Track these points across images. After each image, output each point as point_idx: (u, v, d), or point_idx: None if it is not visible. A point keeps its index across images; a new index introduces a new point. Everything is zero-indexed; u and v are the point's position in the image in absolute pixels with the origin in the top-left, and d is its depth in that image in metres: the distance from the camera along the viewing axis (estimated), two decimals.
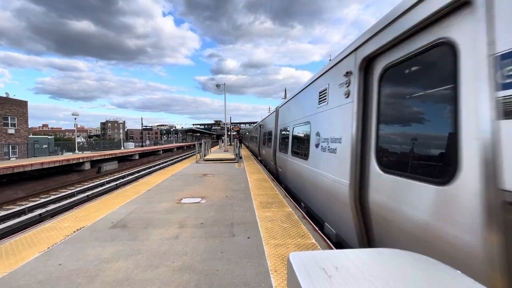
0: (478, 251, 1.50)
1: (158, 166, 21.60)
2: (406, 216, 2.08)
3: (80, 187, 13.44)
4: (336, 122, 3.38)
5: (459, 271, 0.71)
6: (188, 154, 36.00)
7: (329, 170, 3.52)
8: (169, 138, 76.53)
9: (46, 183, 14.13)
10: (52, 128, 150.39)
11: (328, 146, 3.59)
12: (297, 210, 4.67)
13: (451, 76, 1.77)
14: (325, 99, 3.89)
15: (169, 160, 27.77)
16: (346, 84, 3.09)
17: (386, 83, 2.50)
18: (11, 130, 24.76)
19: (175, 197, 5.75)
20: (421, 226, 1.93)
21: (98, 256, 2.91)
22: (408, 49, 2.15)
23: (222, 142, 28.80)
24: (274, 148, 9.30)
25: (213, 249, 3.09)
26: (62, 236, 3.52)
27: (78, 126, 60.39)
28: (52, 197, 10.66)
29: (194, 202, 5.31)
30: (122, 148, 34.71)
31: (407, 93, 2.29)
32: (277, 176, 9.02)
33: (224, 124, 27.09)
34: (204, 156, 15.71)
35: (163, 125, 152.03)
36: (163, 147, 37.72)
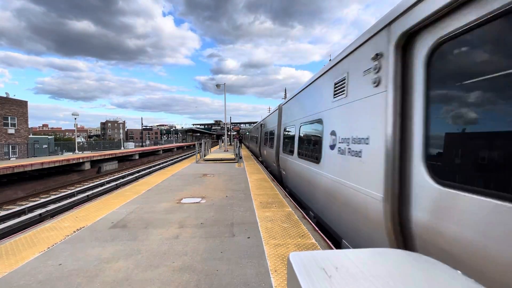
0: None
1: (158, 166, 21.60)
2: (475, 247, 1.51)
3: (80, 187, 13.44)
4: (361, 118, 2.76)
5: (459, 271, 0.71)
6: (188, 154, 36.00)
7: (351, 178, 2.88)
8: (169, 138, 76.54)
9: (46, 183, 14.13)
10: (52, 128, 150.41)
11: (349, 148, 2.97)
12: (297, 210, 4.67)
13: None
14: (343, 90, 3.23)
15: (169, 160, 27.77)
16: (375, 69, 2.50)
17: (439, 63, 1.91)
18: (11, 130, 24.76)
19: (175, 197, 5.75)
20: (500, 264, 1.37)
21: (98, 256, 2.91)
22: (478, 13, 1.55)
23: (222, 142, 28.81)
24: (276, 149, 8.69)
25: (213, 249, 3.09)
26: (62, 236, 3.52)
27: (78, 126, 60.44)
28: (52, 197, 10.66)
29: (194, 202, 5.31)
30: (122, 148, 34.71)
31: (475, 76, 1.68)
32: (280, 179, 8.36)
33: (224, 124, 27.09)
34: (204, 156, 15.71)
35: (163, 125, 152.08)
36: (163, 147, 37.72)
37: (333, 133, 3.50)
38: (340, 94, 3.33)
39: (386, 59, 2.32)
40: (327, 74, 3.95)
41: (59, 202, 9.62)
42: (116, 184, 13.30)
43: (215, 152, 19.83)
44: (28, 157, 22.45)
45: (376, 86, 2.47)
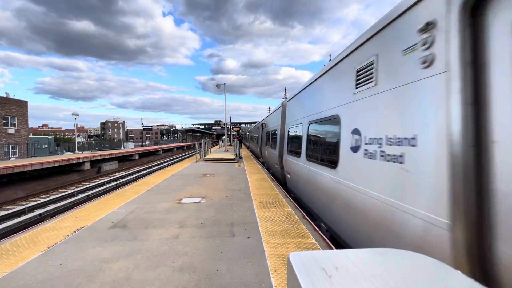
0: None
1: (158, 166, 21.60)
2: None
3: (80, 187, 13.44)
4: (401, 111, 2.14)
5: (459, 271, 0.71)
6: (188, 154, 36.01)
7: (387, 191, 2.27)
8: (169, 138, 76.55)
9: (46, 183, 14.13)
10: (52, 128, 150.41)
11: (382, 151, 2.36)
12: (297, 210, 4.67)
13: None
14: (370, 78, 2.65)
15: (169, 160, 27.77)
16: (424, 45, 1.92)
17: None
18: (11, 130, 24.76)
19: (175, 197, 5.75)
20: None
21: (98, 256, 2.91)
22: None
23: (222, 142, 28.81)
24: (280, 150, 8.08)
25: (213, 249, 3.09)
26: (62, 236, 3.52)
27: (78, 126, 60.45)
28: (52, 197, 10.66)
29: (194, 202, 5.31)
30: (122, 148, 34.71)
31: None
32: (283, 182, 7.65)
33: (224, 124, 27.09)
34: (204, 156, 15.71)
35: (163, 125, 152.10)
36: (163, 147, 37.72)
37: (355, 131, 2.90)
38: (366, 82, 2.72)
39: (444, 29, 1.76)
40: (345, 61, 3.31)
41: (59, 202, 9.62)
42: (116, 184, 13.30)
43: (215, 152, 19.83)
44: (28, 157, 22.45)
45: (427, 66, 1.90)
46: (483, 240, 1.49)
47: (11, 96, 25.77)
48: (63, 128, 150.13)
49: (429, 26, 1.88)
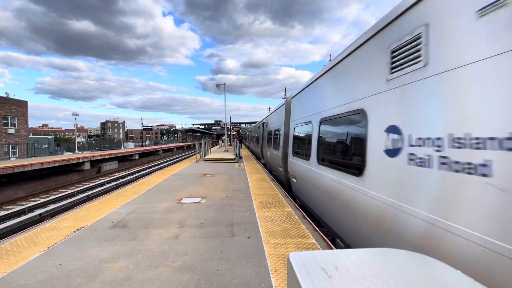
0: None
1: (158, 166, 21.60)
2: None
3: (80, 187, 13.44)
4: (480, 98, 1.54)
5: (459, 271, 0.71)
6: (188, 154, 36.00)
7: (455, 216, 1.64)
8: (169, 138, 76.55)
9: (46, 183, 14.13)
10: (52, 128, 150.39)
11: (443, 157, 1.74)
12: (297, 210, 4.67)
13: None
14: (416, 57, 2.04)
15: (169, 160, 27.77)
16: None
17: None
18: (11, 130, 24.75)
19: (175, 197, 5.75)
20: None
21: (98, 256, 2.91)
22: None
23: (222, 142, 28.81)
24: (283, 151, 7.41)
25: (213, 249, 3.09)
26: (62, 236, 3.52)
27: (78, 126, 60.47)
28: (52, 197, 10.66)
29: (194, 202, 5.31)
30: (122, 148, 34.71)
31: None
32: (287, 186, 7.12)
33: (224, 124, 27.09)
34: (204, 156, 15.71)
35: (163, 125, 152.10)
36: (163, 147, 37.71)
37: (392, 130, 2.29)
38: (408, 64, 2.12)
39: None
40: (371, 42, 2.71)
41: (59, 202, 9.62)
42: (116, 184, 13.30)
43: (215, 152, 19.83)
44: (28, 157, 22.45)
45: None
46: None
47: (11, 96, 25.77)
48: (63, 128, 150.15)
49: None
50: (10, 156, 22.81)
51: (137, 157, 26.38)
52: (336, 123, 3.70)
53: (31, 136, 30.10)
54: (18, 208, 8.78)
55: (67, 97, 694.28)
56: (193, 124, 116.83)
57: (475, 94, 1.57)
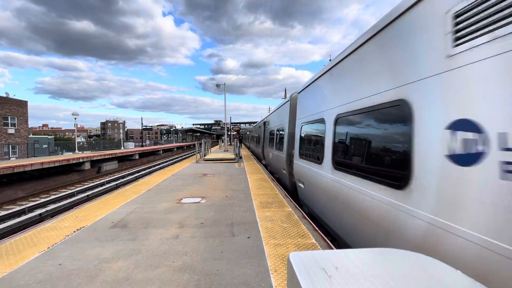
0: None
1: (158, 166, 21.60)
2: None
3: (80, 187, 13.44)
4: None
5: (459, 271, 0.71)
6: (188, 154, 36.01)
7: None
8: (169, 138, 76.58)
9: (46, 183, 14.13)
10: (52, 128, 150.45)
11: None
12: (297, 210, 4.67)
13: None
14: (505, 18, 1.46)
15: (169, 160, 27.77)
16: None
17: None
18: (11, 130, 24.76)
19: (175, 197, 5.75)
20: None
21: (98, 256, 2.91)
22: None
23: (222, 142, 28.81)
24: (288, 152, 6.87)
25: (213, 249, 3.09)
26: (62, 236, 3.53)
27: (78, 126, 60.51)
28: (52, 197, 10.66)
29: (194, 202, 5.31)
30: (122, 148, 34.71)
31: None
32: (292, 191, 6.57)
33: (224, 124, 27.09)
34: (204, 156, 15.71)
35: (163, 125, 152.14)
36: (163, 147, 37.72)
37: (464, 126, 1.63)
38: (494, 28, 1.49)
39: None
40: (419, 7, 2.02)
41: (59, 202, 9.62)
42: (116, 184, 13.30)
43: (215, 152, 19.83)
44: (28, 157, 22.45)
45: None
46: None
47: (11, 96, 25.78)
48: (63, 128, 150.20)
49: None
50: (10, 156, 22.81)
51: (137, 157, 26.38)
52: (359, 119, 2.98)
53: (31, 136, 30.11)
54: (18, 208, 8.78)
55: (67, 97, 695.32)
56: (193, 124, 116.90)
57: None
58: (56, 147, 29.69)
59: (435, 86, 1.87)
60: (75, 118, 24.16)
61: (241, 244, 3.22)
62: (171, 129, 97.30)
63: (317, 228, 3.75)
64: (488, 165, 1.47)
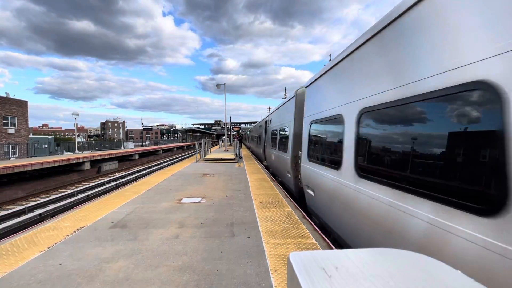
0: None
1: (158, 166, 21.60)
2: None
3: (80, 187, 13.44)
4: None
5: (459, 271, 0.71)
6: (188, 154, 36.01)
7: None
8: (169, 138, 76.60)
9: (46, 183, 14.13)
10: (52, 128, 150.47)
11: None
12: (297, 210, 4.67)
13: None
14: None
15: (169, 160, 27.77)
16: None
17: None
18: (11, 130, 24.76)
19: (175, 197, 5.75)
20: None
21: (98, 256, 2.91)
22: None
23: (222, 142, 28.82)
24: (294, 153, 6.25)
25: (213, 249, 3.09)
26: (62, 236, 3.53)
27: (78, 126, 60.50)
28: (52, 197, 10.66)
29: (194, 202, 5.31)
30: (122, 148, 34.71)
31: None
32: (299, 197, 5.97)
33: (224, 124, 27.10)
34: (204, 156, 15.71)
35: (163, 125, 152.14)
36: (163, 147, 37.72)
37: None
38: None
39: None
40: None
41: (59, 202, 9.62)
42: (116, 184, 13.30)
43: (215, 152, 19.83)
44: (28, 157, 22.45)
45: None
46: None
47: (11, 96, 25.78)
48: (63, 128, 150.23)
49: None
50: (10, 156, 22.81)
51: (137, 157, 26.38)
52: (396, 114, 2.33)
53: (31, 136, 30.11)
54: (18, 208, 8.78)
55: (67, 97, 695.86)
56: (193, 124, 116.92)
57: None
58: (56, 147, 29.69)
59: None
60: (75, 118, 24.16)
61: (241, 244, 3.22)
62: (171, 129, 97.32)
63: (317, 228, 3.75)
64: None
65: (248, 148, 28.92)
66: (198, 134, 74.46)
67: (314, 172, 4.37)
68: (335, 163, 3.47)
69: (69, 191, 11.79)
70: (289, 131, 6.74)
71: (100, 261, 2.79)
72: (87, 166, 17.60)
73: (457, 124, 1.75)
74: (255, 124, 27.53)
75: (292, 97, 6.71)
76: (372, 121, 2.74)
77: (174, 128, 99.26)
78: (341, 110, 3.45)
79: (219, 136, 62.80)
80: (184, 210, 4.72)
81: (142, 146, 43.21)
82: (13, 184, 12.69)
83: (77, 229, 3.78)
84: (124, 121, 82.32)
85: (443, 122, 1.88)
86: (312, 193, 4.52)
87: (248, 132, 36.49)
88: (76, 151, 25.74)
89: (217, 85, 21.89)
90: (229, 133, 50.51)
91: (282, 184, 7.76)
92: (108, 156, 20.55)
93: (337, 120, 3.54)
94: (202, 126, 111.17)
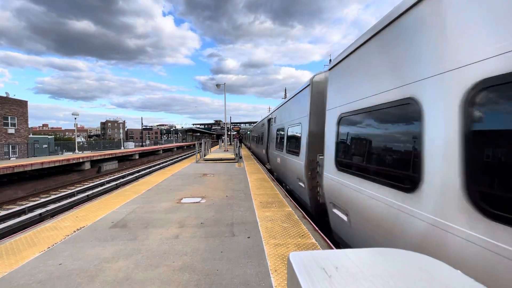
0: None
1: (158, 166, 21.60)
2: None
3: (80, 187, 13.44)
4: None
5: (459, 271, 0.71)
6: (188, 154, 36.01)
7: None
8: (169, 138, 76.60)
9: (46, 183, 14.13)
10: (52, 128, 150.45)
11: None
12: (297, 210, 4.67)
13: None
14: None
15: (169, 160, 27.77)
16: None
17: None
18: (11, 130, 24.76)
19: (175, 197, 5.75)
20: None
21: (98, 256, 2.91)
22: None
23: (222, 142, 28.81)
24: (309, 157, 4.96)
25: (213, 248, 3.09)
26: (62, 236, 3.53)
27: (78, 126, 60.49)
28: (52, 196, 10.66)
29: (194, 202, 5.31)
30: (122, 148, 34.70)
31: None
32: (316, 213, 4.92)
33: (224, 124, 27.09)
34: (204, 156, 15.71)
35: (163, 125, 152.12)
36: (163, 147, 37.72)
37: None
38: None
39: None
40: None
41: (59, 202, 9.62)
42: (116, 184, 13.30)
43: (215, 152, 19.83)
44: (28, 157, 22.45)
45: None
46: None
47: (11, 96, 25.78)
48: (63, 128, 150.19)
49: None
50: (10, 156, 22.81)
51: (137, 157, 26.38)
52: None
53: (31, 136, 30.11)
54: (18, 208, 8.78)
55: (67, 97, 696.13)
56: (193, 124, 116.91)
57: None
58: (56, 147, 29.68)
59: None
60: (75, 118, 24.15)
61: (241, 244, 3.22)
62: (171, 129, 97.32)
63: (317, 228, 3.75)
64: None
65: (249, 148, 28.81)
66: (198, 134, 74.44)
67: (350, 188, 3.01)
68: (402, 180, 2.14)
69: (69, 191, 11.78)
70: (302, 129, 5.45)
71: (100, 261, 2.79)
72: (87, 166, 17.60)
73: None
74: (255, 124, 26.86)
75: (306, 87, 5.33)
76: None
77: (174, 128, 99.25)
78: (415, 90, 2.03)
79: (219, 136, 62.79)
80: (184, 210, 4.72)
81: (142, 146, 43.21)
82: (13, 184, 12.69)
83: (77, 229, 3.78)
84: (124, 121, 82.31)
85: None
86: (343, 216, 3.21)
87: (248, 132, 36.29)
88: (76, 151, 25.73)
89: (217, 85, 21.89)
90: (229, 133, 50.51)
91: (290, 193, 6.46)
92: (108, 156, 20.55)
93: (403, 108, 2.19)
94: (202, 126, 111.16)
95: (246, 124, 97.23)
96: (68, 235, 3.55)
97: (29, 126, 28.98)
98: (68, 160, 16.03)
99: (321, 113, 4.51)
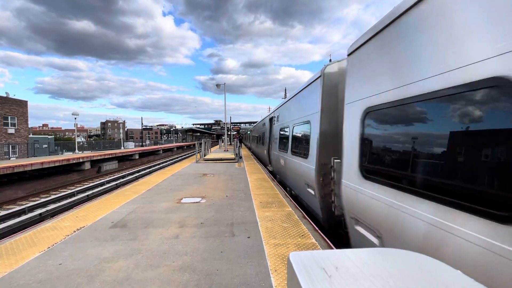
0: None
1: (158, 166, 21.59)
2: None
3: (80, 186, 13.44)
4: None
5: (459, 271, 0.71)
6: (188, 154, 36.00)
7: None
8: (169, 138, 76.60)
9: (46, 183, 14.12)
10: (52, 127, 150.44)
11: None
12: (297, 210, 4.67)
13: None
14: None
15: (169, 160, 27.77)
16: None
17: None
18: (11, 130, 24.76)
19: (175, 197, 5.75)
20: None
21: (98, 256, 2.91)
22: None
23: (222, 142, 28.81)
24: (320, 161, 4.27)
25: (213, 248, 3.09)
26: (62, 236, 3.53)
27: (78, 126, 60.47)
28: (52, 196, 10.66)
29: (194, 202, 5.31)
30: (122, 147, 34.70)
31: None
32: (328, 225, 4.33)
33: (224, 124, 27.09)
34: (204, 156, 15.71)
35: (163, 125, 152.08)
36: (163, 146, 37.71)
37: None
38: None
39: None
40: None
41: (59, 202, 9.62)
42: (116, 184, 13.30)
43: (215, 152, 19.83)
44: (28, 157, 22.44)
45: None
46: None
47: (11, 95, 25.78)
48: (63, 128, 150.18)
49: None
50: (10, 156, 22.80)
51: (137, 157, 26.37)
52: None
53: (31, 136, 30.11)
54: (18, 208, 8.78)
55: (67, 97, 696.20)
56: (193, 124, 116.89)
57: None
58: (56, 147, 29.67)
59: None
60: (75, 118, 24.14)
61: (241, 244, 3.22)
62: (171, 129, 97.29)
63: (317, 228, 3.76)
64: None
65: (249, 149, 28.74)
66: (198, 134, 74.42)
67: (386, 205, 2.28)
68: (496, 205, 1.37)
69: (69, 191, 11.78)
70: (312, 127, 4.72)
71: (100, 261, 2.79)
72: (87, 166, 17.60)
73: None
74: (255, 123, 26.40)
75: (316, 79, 4.59)
76: None
77: (174, 128, 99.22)
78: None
79: (219, 136, 62.77)
80: (184, 210, 4.72)
81: (142, 146, 43.21)
82: (13, 184, 12.69)
83: (77, 229, 3.78)
84: (124, 121, 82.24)
85: None
86: (373, 239, 2.54)
87: (248, 132, 36.15)
88: (76, 151, 25.72)
89: (217, 85, 21.88)
90: (229, 133, 50.50)
91: (295, 198, 5.89)
92: (108, 156, 20.55)
93: (477, 93, 1.50)
94: (202, 126, 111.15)
95: (246, 124, 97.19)
96: (68, 235, 3.55)
97: (29, 126, 28.98)
98: (68, 160, 16.03)
99: (334, 109, 4.08)
